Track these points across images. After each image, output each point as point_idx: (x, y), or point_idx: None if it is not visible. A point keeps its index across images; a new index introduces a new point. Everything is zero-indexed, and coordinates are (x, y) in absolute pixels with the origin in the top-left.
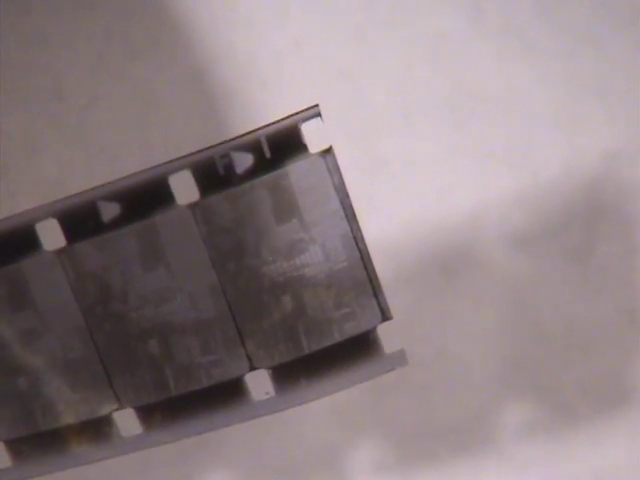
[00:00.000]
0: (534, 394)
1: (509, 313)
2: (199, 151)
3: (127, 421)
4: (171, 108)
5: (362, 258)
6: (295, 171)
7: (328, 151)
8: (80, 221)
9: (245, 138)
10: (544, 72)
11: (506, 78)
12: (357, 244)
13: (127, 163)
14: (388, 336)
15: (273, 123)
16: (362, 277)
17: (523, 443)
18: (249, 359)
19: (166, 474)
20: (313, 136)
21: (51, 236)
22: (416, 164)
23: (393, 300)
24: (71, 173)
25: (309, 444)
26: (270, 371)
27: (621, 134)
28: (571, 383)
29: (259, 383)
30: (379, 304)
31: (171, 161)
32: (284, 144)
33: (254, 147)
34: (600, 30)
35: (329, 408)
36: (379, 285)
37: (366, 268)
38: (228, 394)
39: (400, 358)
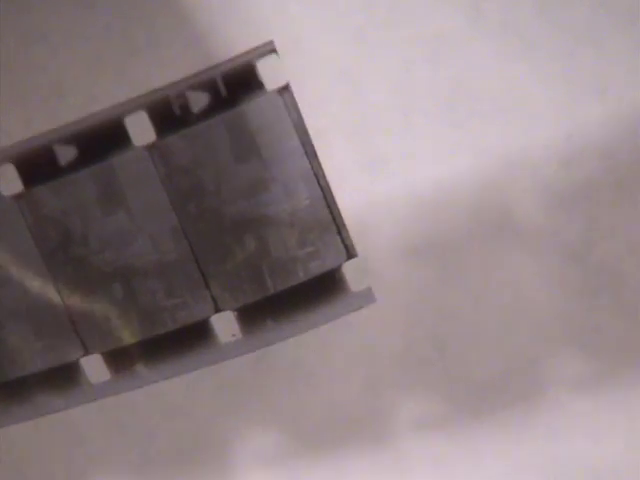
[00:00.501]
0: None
1: (508, 310)
2: (154, 91)
3: (94, 367)
4: None
5: (324, 196)
6: (252, 109)
7: (285, 88)
8: (37, 165)
9: (200, 77)
10: (543, 71)
11: (505, 77)
12: (318, 181)
13: None
14: (355, 274)
15: (228, 61)
16: (325, 215)
17: (522, 441)
18: (214, 301)
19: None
20: (269, 73)
21: (9, 181)
22: (415, 163)
23: (392, 293)
24: None
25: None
26: (236, 313)
27: (620, 134)
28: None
29: (225, 325)
30: (343, 242)
31: (126, 102)
32: (240, 82)
33: (210, 86)
34: (600, 30)
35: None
36: (343, 223)
37: (329, 206)
38: (194, 337)
39: (367, 296)
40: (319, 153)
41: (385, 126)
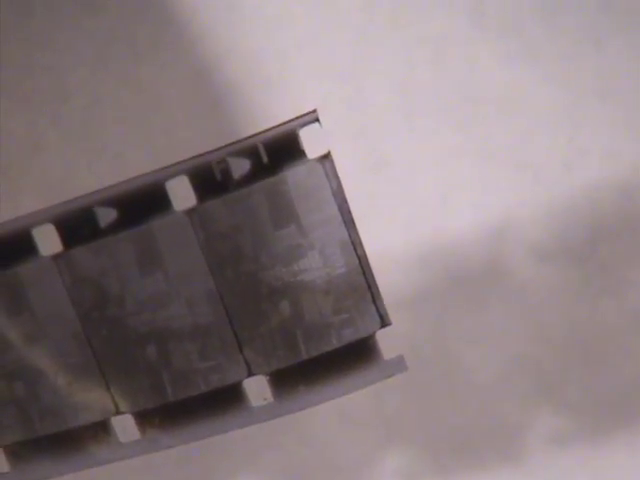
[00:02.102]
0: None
1: (512, 314)
2: (196, 156)
3: (125, 426)
4: (173, 109)
5: (361, 264)
6: (293, 177)
7: (326, 157)
8: (77, 226)
9: (242, 144)
10: (545, 74)
11: (507, 79)
12: (355, 250)
13: (129, 163)
14: (388, 342)
15: (271, 129)
16: (361, 283)
17: (527, 444)
18: (247, 365)
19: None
20: (311, 141)
21: (48, 241)
22: (417, 165)
23: (395, 301)
24: (74, 173)
25: (316, 446)
26: (268, 377)
27: (622, 135)
28: (574, 384)
29: (257, 389)
30: (378, 310)
31: (168, 167)
32: (282, 150)
33: (251, 152)
34: (601, 32)
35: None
36: (378, 291)
37: (365, 274)
38: (226, 400)
39: (399, 364)
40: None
41: (387, 128)
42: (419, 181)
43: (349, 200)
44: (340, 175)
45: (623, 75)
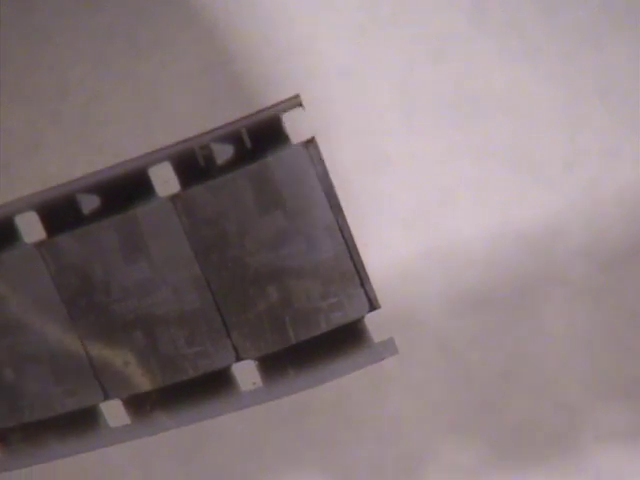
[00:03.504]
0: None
1: (512, 311)
2: (178, 142)
3: (114, 412)
4: (174, 106)
5: (348, 248)
6: (277, 162)
7: (311, 141)
8: (60, 214)
9: (225, 129)
10: (546, 72)
11: (508, 78)
12: (342, 234)
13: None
14: (378, 326)
15: (254, 114)
16: (348, 267)
17: (524, 442)
18: (235, 350)
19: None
20: (295, 126)
21: (31, 229)
22: (418, 163)
23: (391, 295)
24: (73, 170)
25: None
26: (257, 362)
27: (623, 134)
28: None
29: (246, 374)
30: (366, 293)
31: (150, 153)
32: (265, 135)
33: (234, 138)
34: (602, 31)
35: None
36: (366, 275)
37: (352, 258)
38: (215, 385)
39: (389, 347)
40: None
41: (387, 126)
42: (419, 180)
43: (349, 201)
44: (340, 173)
45: (623, 74)
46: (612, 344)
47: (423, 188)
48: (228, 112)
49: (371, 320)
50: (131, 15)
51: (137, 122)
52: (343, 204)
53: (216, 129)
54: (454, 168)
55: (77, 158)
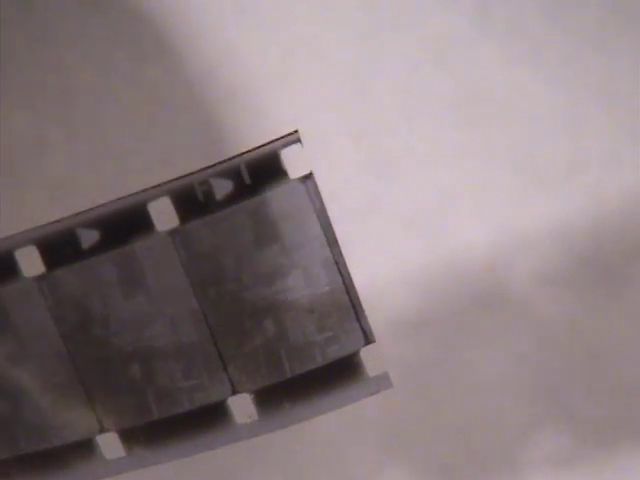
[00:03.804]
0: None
1: (513, 315)
2: (178, 178)
3: (110, 444)
4: (178, 108)
5: (344, 283)
6: (275, 197)
7: (308, 177)
8: (59, 248)
9: (224, 165)
10: (548, 75)
11: (510, 80)
12: (339, 269)
13: (133, 163)
14: (373, 359)
15: (253, 149)
16: (345, 301)
17: (528, 447)
18: (231, 383)
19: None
20: (293, 162)
21: (30, 263)
22: (419, 165)
23: (392, 300)
24: (77, 172)
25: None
26: (252, 395)
27: (625, 137)
28: (577, 387)
29: (242, 407)
30: (362, 327)
31: (150, 188)
32: (264, 170)
33: (233, 173)
34: (605, 33)
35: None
36: (362, 309)
37: (348, 292)
38: (211, 418)
39: (384, 381)
40: (322, 155)
41: (389, 128)
42: (420, 182)
43: (349, 200)
44: (341, 175)
45: (626, 77)
46: (615, 348)
47: (424, 189)
48: (232, 114)
49: (366, 353)
50: (136, 19)
51: (141, 124)
52: (341, 205)
53: (215, 165)
54: (455, 170)
55: (81, 160)
